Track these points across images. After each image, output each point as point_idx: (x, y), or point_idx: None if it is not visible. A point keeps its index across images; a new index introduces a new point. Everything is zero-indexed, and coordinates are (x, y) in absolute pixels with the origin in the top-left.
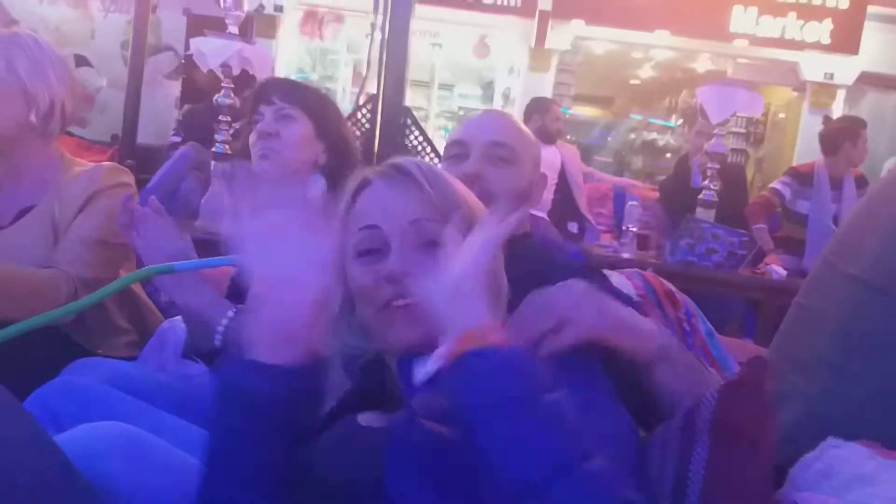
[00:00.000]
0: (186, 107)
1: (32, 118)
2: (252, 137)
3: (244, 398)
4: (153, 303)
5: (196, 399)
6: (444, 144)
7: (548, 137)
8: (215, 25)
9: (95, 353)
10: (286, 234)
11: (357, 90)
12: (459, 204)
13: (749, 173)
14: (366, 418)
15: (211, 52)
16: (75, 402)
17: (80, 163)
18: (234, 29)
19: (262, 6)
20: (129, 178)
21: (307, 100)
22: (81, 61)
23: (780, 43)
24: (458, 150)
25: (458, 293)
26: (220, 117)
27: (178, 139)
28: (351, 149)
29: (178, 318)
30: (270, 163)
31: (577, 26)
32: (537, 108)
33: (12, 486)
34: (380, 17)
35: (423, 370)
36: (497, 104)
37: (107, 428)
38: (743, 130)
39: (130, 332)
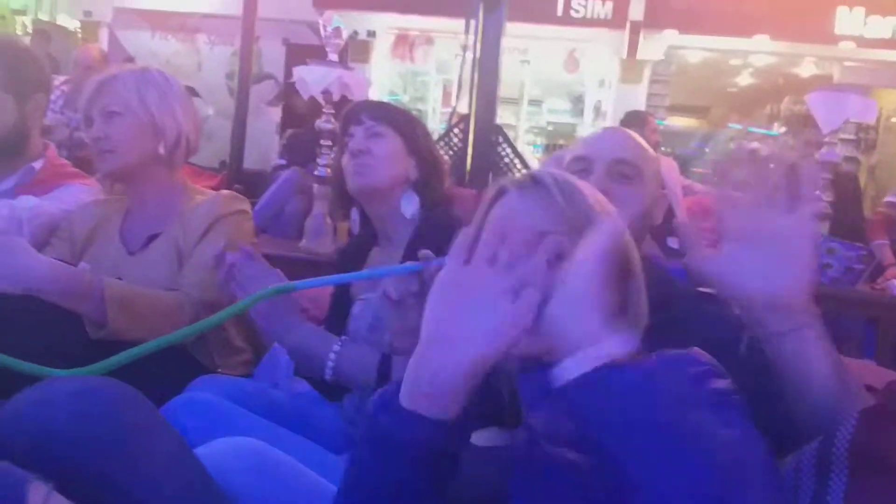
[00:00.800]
0: (290, 132)
1: (161, 150)
2: (345, 158)
3: (399, 448)
4: None
5: (307, 416)
6: (565, 160)
7: None
8: (313, 53)
9: (215, 371)
10: (480, 294)
11: (447, 110)
12: (594, 219)
13: (861, 181)
14: (482, 436)
15: (313, 79)
16: (201, 416)
17: (201, 191)
18: (334, 56)
19: (356, 32)
20: (246, 205)
21: (395, 117)
22: (190, 92)
23: (891, 43)
24: (581, 166)
25: (576, 306)
26: (322, 141)
27: (282, 162)
28: (440, 164)
29: None
30: (365, 179)
31: (671, 36)
32: (634, 121)
33: (159, 496)
34: (470, 38)
35: (544, 385)
36: (587, 118)
37: (239, 443)
38: (853, 137)
39: (246, 351)
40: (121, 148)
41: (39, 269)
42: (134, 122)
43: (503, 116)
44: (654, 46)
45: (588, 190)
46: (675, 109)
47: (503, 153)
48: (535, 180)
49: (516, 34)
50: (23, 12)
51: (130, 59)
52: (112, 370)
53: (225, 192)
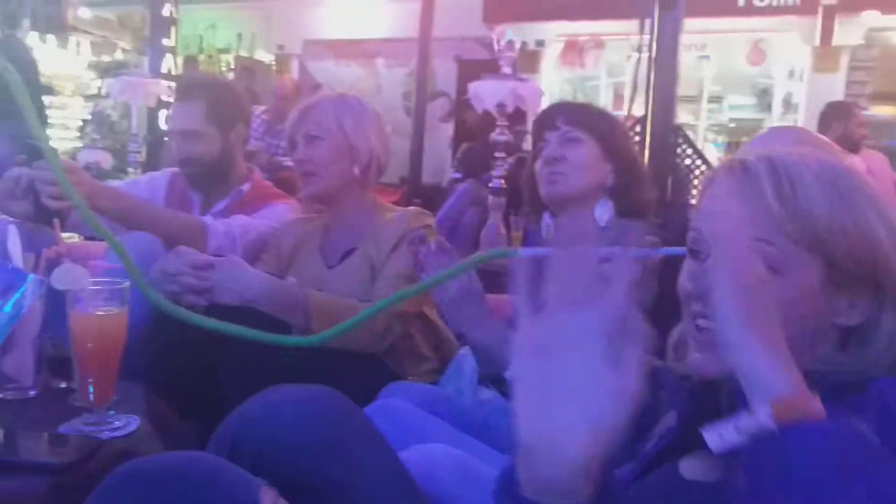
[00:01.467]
0: (464, 146)
1: (355, 171)
2: (538, 165)
3: None
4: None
5: (493, 425)
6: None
7: (851, 146)
8: (484, 68)
9: (406, 378)
10: (568, 362)
11: (619, 113)
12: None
13: None
14: (690, 468)
15: (487, 93)
16: (395, 423)
17: (391, 207)
18: (507, 69)
19: (524, 43)
20: (431, 220)
21: (593, 121)
22: None
23: None
24: None
25: (748, 338)
26: (496, 153)
27: (458, 176)
28: (639, 169)
29: None
30: (559, 188)
31: (871, 17)
32: (837, 114)
33: (358, 486)
34: (645, 38)
35: (720, 436)
36: (776, 112)
37: (441, 451)
38: None
39: (432, 360)
40: (321, 170)
41: (256, 284)
42: (333, 146)
43: (680, 115)
44: (851, 31)
45: (827, 188)
46: (879, 97)
47: (683, 154)
48: (745, 169)
49: (693, 29)
50: (227, 51)
51: (318, 86)
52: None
53: (412, 208)
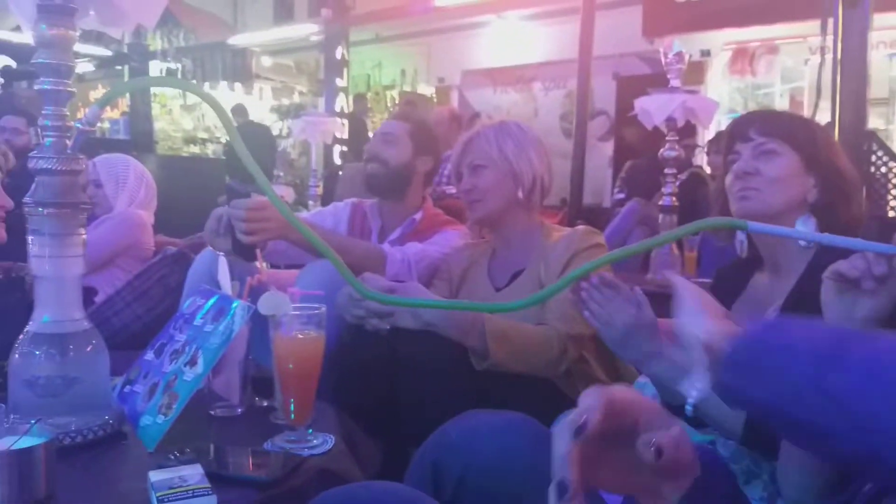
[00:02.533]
0: (629, 163)
1: (519, 194)
2: (728, 179)
3: None
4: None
5: None
6: None
7: None
8: (644, 83)
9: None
10: None
11: None
12: None
13: None
14: None
15: (655, 108)
16: None
17: (558, 228)
18: (676, 82)
19: (688, 55)
20: (601, 239)
21: (791, 130)
22: None
23: None
24: None
25: None
26: (666, 170)
27: (622, 196)
28: (847, 182)
29: None
30: (752, 204)
31: None
32: None
33: None
34: (828, 38)
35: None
36: None
37: None
38: None
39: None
40: (487, 196)
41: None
42: (496, 172)
43: (871, 121)
44: None
45: None
46: None
47: (878, 162)
48: None
49: (883, 25)
50: (391, 87)
51: (476, 115)
52: (487, 400)
53: (581, 227)
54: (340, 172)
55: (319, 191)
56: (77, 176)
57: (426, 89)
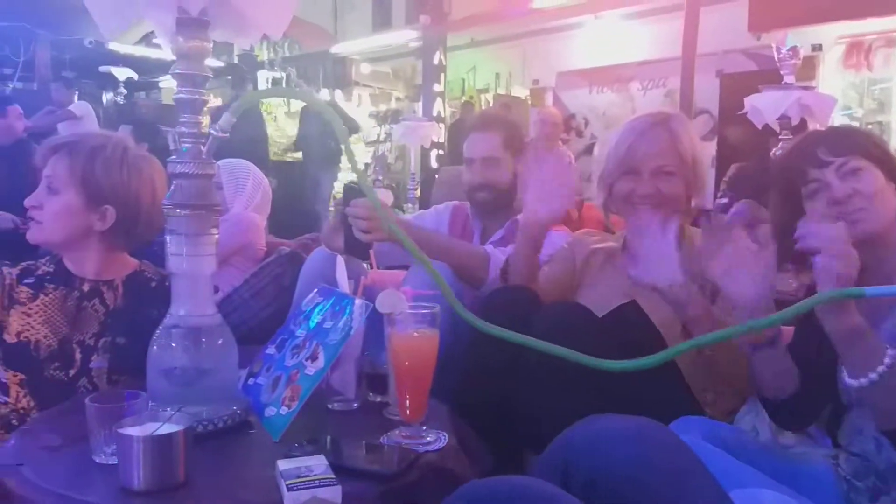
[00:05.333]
0: (734, 167)
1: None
2: (820, 208)
3: None
4: None
5: (796, 470)
6: None
7: None
8: (750, 80)
9: (702, 412)
10: None
11: None
12: None
13: None
14: None
15: (768, 106)
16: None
17: (693, 230)
18: (790, 78)
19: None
20: None
21: (859, 142)
22: None
23: None
24: None
25: None
26: None
27: (725, 200)
28: None
29: None
30: (867, 224)
31: None
32: None
33: None
34: None
35: None
36: None
37: (767, 497)
38: None
39: (730, 394)
40: (667, 202)
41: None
42: (681, 179)
43: None
44: None
45: None
46: None
47: None
48: None
49: None
50: (485, 90)
51: (571, 117)
52: (609, 403)
53: None
54: (437, 176)
55: (417, 193)
56: (210, 179)
57: (521, 91)
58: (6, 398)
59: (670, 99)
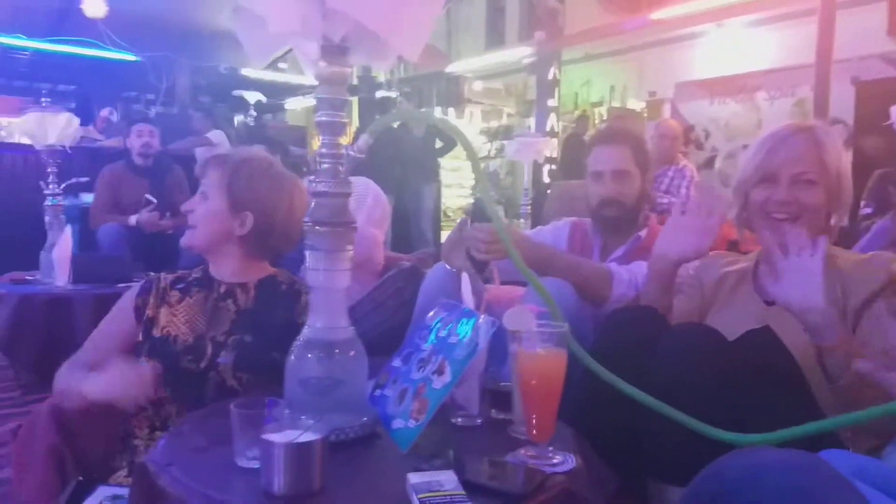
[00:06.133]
0: (878, 172)
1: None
2: None
3: None
4: None
5: None
6: None
7: None
8: (888, 87)
9: (843, 445)
10: None
11: None
12: None
13: None
14: None
15: None
16: None
17: (840, 249)
18: None
19: None
20: None
21: None
22: None
23: None
24: None
25: None
26: None
27: (868, 210)
28: None
29: None
30: None
31: None
32: None
33: None
34: None
35: None
36: None
37: None
38: None
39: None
40: (806, 214)
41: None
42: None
43: None
44: None
45: None
46: None
47: None
48: None
49: None
50: (599, 104)
51: (690, 128)
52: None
53: (884, 253)
54: (549, 191)
55: (529, 209)
56: (347, 198)
57: (636, 104)
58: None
59: (800, 108)
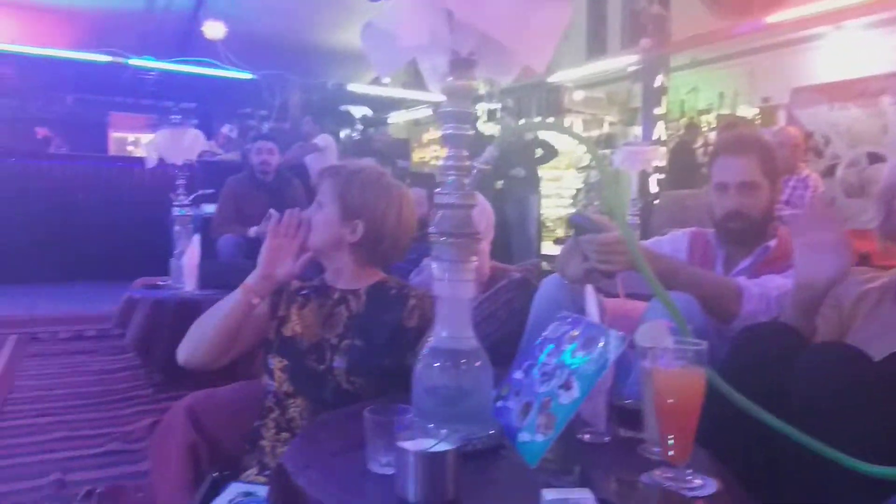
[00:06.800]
0: None
1: None
2: None
3: None
4: None
5: None
6: None
7: None
8: None
9: None
10: None
11: None
12: None
13: None
14: None
15: None
16: None
17: None
18: None
19: None
20: None
21: None
22: (875, 158)
23: None
24: None
25: None
26: None
27: None
28: None
29: None
30: None
31: None
32: None
33: None
34: None
35: None
36: None
37: None
38: None
39: None
40: None
41: None
42: None
43: None
44: None
45: None
46: None
47: None
48: None
49: None
50: (707, 111)
51: (809, 135)
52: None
53: None
54: (656, 201)
55: (638, 220)
56: (472, 210)
57: (747, 111)
58: (273, 382)
59: None
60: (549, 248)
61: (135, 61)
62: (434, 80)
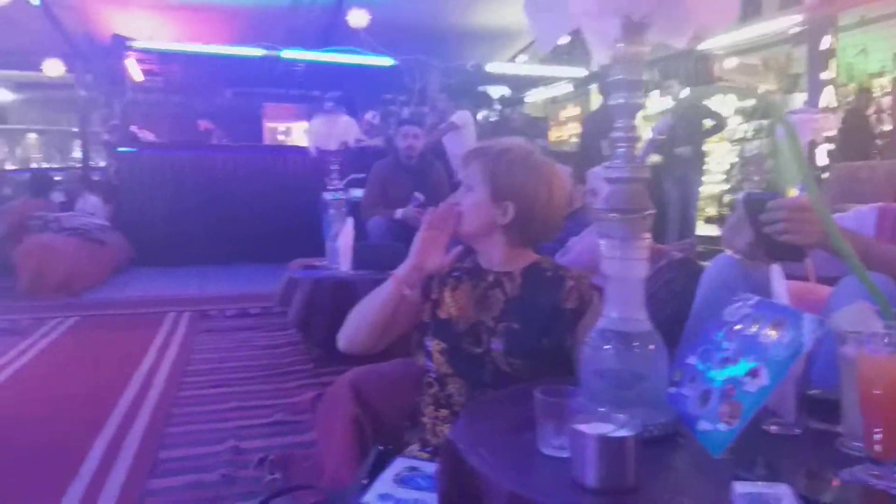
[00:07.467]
0: None
1: None
2: None
3: None
4: None
5: None
6: None
7: None
8: None
9: None
10: None
11: None
12: None
13: None
14: None
15: None
16: None
17: None
18: None
19: None
20: None
21: None
22: None
23: None
24: None
25: None
26: None
27: None
28: None
29: None
30: None
31: None
32: None
33: None
34: None
35: None
36: None
37: None
38: None
39: None
40: None
41: None
42: None
43: None
44: None
45: None
46: None
47: None
48: None
49: None
50: (879, 74)
51: None
52: None
53: None
54: (825, 174)
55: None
56: (644, 184)
57: None
58: (432, 364)
59: None
60: (700, 227)
61: (286, 53)
62: (601, 47)
